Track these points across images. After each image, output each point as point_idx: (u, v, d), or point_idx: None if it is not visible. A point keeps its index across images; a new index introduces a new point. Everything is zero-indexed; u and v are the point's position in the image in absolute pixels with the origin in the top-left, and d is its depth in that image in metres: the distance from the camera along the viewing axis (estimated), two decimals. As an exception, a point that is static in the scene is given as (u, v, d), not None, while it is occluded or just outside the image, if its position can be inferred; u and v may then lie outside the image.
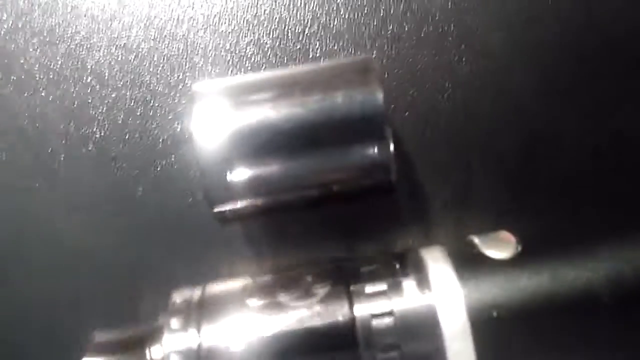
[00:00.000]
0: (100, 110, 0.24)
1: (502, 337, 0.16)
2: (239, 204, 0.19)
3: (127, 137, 0.24)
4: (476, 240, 0.18)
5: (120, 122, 0.24)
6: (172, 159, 0.24)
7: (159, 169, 0.24)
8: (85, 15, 0.24)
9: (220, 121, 0.19)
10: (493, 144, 0.24)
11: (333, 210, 0.22)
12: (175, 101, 0.24)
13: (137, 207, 0.23)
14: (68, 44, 0.24)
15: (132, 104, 0.24)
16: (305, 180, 0.19)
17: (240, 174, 0.18)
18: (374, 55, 0.24)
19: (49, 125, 0.24)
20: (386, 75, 0.24)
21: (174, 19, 0.24)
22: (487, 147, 0.24)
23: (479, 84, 0.24)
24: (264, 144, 0.18)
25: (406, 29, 0.24)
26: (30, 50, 0.24)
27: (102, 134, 0.24)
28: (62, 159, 0.24)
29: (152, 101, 0.24)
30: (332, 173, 0.19)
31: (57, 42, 0.24)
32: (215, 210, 0.19)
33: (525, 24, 0.24)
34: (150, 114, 0.24)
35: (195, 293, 0.19)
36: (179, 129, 0.24)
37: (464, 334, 0.16)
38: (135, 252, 0.23)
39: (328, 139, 0.19)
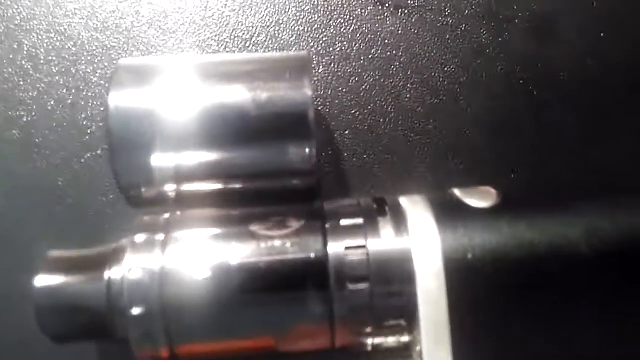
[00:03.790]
0: (30, 95, 0.23)
1: (475, 278, 0.16)
2: (152, 190, 0.18)
3: (54, 124, 0.23)
4: (457, 192, 0.18)
5: (49, 108, 0.23)
6: (98, 153, 0.23)
7: (82, 161, 0.23)
8: (28, -2, 0.24)
9: (138, 101, 0.18)
10: (433, 174, 0.24)
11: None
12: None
13: (56, 197, 0.23)
14: (7, 24, 0.24)
15: (64, 91, 0.23)
16: (223, 172, 0.18)
17: (154, 159, 0.18)
18: (319, 71, 0.24)
19: (-25, 103, 0.23)
20: (330, 92, 0.24)
21: (119, 11, 0.24)
22: (426, 176, 0.24)
23: (421, 113, 0.24)
24: (181, 129, 0.18)
25: (355, 49, 0.24)
26: (-34, 25, 0.24)
27: (29, 118, 0.23)
28: (-18, 140, 0.23)
29: (85, 91, 0.23)
30: (251, 167, 0.18)
31: (-5, 20, 0.24)
32: (128, 193, 0.18)
33: (473, 58, 0.24)
34: (82, 104, 0.23)
35: (164, 217, 0.18)
36: (110, 123, 0.23)
37: (437, 273, 0.16)
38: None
39: (250, 131, 0.18)
